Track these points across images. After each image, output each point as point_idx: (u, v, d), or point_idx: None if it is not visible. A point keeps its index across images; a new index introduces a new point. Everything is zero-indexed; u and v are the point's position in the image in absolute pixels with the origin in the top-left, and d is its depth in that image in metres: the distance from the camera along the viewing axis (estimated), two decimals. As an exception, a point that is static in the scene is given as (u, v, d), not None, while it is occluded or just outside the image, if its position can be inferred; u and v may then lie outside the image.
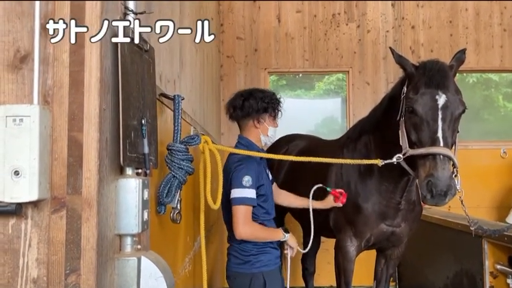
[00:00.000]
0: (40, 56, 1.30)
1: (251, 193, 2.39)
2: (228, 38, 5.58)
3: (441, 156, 2.19)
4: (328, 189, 2.80)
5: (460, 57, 2.50)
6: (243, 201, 2.37)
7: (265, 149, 2.88)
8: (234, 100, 2.61)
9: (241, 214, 2.36)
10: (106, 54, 1.37)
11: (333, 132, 5.39)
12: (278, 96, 2.63)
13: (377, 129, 2.85)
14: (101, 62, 1.32)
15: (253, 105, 2.52)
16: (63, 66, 1.31)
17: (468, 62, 5.48)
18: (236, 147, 2.60)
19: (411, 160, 2.44)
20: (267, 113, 2.55)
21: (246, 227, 2.37)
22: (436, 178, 2.15)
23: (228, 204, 2.45)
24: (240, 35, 5.59)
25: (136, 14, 1.56)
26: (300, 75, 5.92)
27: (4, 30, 1.32)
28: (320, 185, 2.80)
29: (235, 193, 2.38)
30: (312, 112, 5.95)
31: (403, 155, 2.42)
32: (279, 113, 2.62)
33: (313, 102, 6.08)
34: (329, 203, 2.80)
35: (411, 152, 2.36)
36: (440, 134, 2.24)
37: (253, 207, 2.42)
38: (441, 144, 2.22)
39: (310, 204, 2.77)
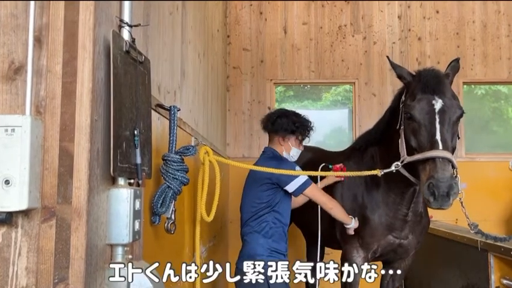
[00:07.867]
0: (34, 67, 1.33)
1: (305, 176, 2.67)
2: (235, 49, 5.62)
3: (440, 158, 2.18)
4: (330, 166, 2.99)
5: (454, 65, 2.55)
6: (308, 183, 2.64)
7: None
8: (272, 114, 2.90)
9: (319, 192, 2.71)
10: (99, 65, 1.39)
11: (341, 143, 5.35)
12: (311, 125, 2.86)
13: (381, 141, 2.88)
14: (93, 74, 1.35)
15: (284, 124, 2.78)
16: (56, 78, 1.33)
17: (475, 73, 5.50)
18: (261, 155, 2.86)
19: (413, 168, 2.43)
20: (293, 135, 2.80)
21: (331, 201, 2.73)
22: (437, 179, 2.13)
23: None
24: (247, 46, 5.63)
25: (131, 26, 1.59)
26: (308, 86, 5.93)
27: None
28: (323, 164, 3.00)
29: (297, 181, 2.62)
30: (319, 123, 5.84)
31: (401, 162, 2.45)
32: (307, 138, 2.87)
33: (320, 113, 6.07)
34: (330, 178, 2.99)
35: (408, 158, 2.37)
36: (438, 137, 2.25)
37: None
38: (441, 147, 2.22)
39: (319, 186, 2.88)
